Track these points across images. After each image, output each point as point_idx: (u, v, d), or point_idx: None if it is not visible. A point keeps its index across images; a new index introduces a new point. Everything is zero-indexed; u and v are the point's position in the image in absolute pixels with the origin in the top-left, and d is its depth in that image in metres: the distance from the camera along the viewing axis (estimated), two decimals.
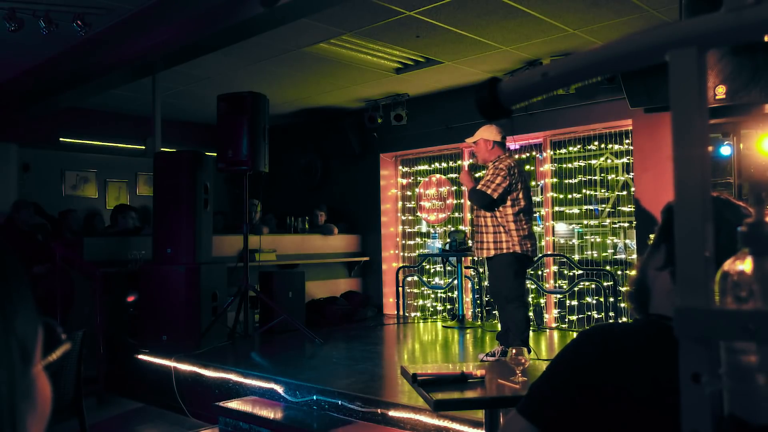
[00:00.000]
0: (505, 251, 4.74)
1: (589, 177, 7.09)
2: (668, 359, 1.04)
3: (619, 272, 6.79)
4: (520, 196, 4.81)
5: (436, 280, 8.34)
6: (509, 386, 2.31)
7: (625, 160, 6.82)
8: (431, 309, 8.39)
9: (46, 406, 0.57)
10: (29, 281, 0.58)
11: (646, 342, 1.16)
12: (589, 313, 6.90)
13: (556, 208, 7.34)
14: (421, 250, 8.57)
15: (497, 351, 4.90)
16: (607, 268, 6.80)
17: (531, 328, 4.95)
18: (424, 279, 8.34)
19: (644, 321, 1.23)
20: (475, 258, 4.75)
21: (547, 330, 6.88)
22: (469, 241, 7.17)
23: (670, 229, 1.20)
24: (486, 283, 7.82)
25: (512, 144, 7.48)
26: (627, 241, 6.93)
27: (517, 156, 7.57)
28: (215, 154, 6.20)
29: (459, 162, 8.20)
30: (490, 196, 4.71)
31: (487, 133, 4.98)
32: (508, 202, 4.76)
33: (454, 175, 8.26)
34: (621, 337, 1.20)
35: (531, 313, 5.11)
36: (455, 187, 8.18)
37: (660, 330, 1.15)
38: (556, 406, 1.18)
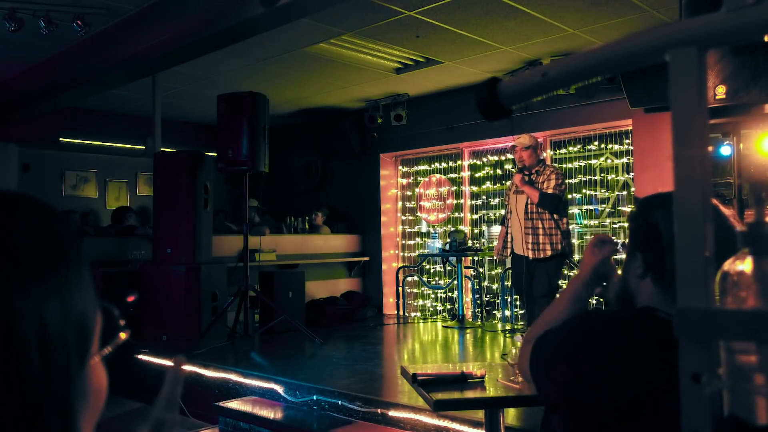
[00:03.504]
0: (560, 251, 5.02)
1: (589, 177, 7.09)
2: (656, 349, 1.05)
3: (619, 272, 6.77)
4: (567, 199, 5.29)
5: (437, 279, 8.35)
6: (509, 386, 2.31)
7: (625, 160, 6.82)
8: (431, 309, 8.39)
9: (100, 398, 0.54)
10: (88, 263, 0.53)
11: (633, 331, 1.16)
12: None
13: None
14: (421, 250, 8.56)
15: None
16: None
17: None
18: (424, 279, 8.34)
19: (634, 312, 1.24)
20: (530, 258, 5.08)
21: None
22: (469, 241, 7.18)
23: (642, 237, 1.22)
24: (486, 283, 7.83)
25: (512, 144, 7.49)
26: (627, 241, 6.93)
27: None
28: (215, 154, 6.20)
29: (459, 162, 8.20)
30: (563, 199, 5.08)
31: (534, 139, 5.29)
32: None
33: (454, 175, 8.26)
34: (612, 323, 1.20)
35: None
36: (455, 187, 8.19)
37: (648, 320, 1.15)
38: (542, 374, 1.24)
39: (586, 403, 1.12)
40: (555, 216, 5.00)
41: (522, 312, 5.73)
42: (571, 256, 5.23)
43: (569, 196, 7.21)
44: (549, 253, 4.98)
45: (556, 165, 5.21)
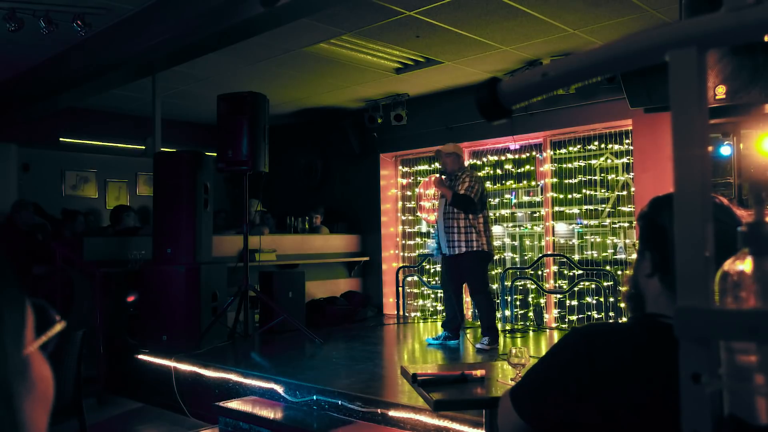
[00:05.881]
0: (475, 249, 5.43)
1: (589, 177, 7.09)
2: (660, 357, 1.04)
3: (619, 272, 6.78)
4: (484, 201, 5.62)
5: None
6: (509, 386, 2.30)
7: (625, 160, 6.82)
8: (431, 309, 8.39)
9: (46, 387, 0.55)
10: (13, 267, 0.55)
11: (636, 340, 1.15)
12: (589, 313, 6.90)
13: (556, 208, 7.34)
14: (421, 250, 8.56)
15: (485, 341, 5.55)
16: (607, 268, 6.80)
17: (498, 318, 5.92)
18: (424, 279, 8.34)
19: (636, 320, 1.23)
20: (446, 254, 5.62)
21: (547, 330, 6.87)
22: None
23: (650, 237, 1.21)
24: None
25: (512, 144, 7.49)
26: (627, 241, 6.93)
27: (517, 156, 7.62)
28: (215, 154, 6.20)
29: None
30: (473, 200, 5.42)
31: (458, 148, 5.80)
32: (479, 206, 5.51)
33: None
34: (611, 336, 1.19)
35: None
36: None
37: (651, 328, 1.15)
38: (539, 405, 1.19)
39: (590, 422, 1.11)
40: (470, 216, 5.42)
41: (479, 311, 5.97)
42: (491, 253, 5.57)
43: (570, 196, 7.22)
44: (463, 250, 5.42)
45: (474, 170, 5.74)
